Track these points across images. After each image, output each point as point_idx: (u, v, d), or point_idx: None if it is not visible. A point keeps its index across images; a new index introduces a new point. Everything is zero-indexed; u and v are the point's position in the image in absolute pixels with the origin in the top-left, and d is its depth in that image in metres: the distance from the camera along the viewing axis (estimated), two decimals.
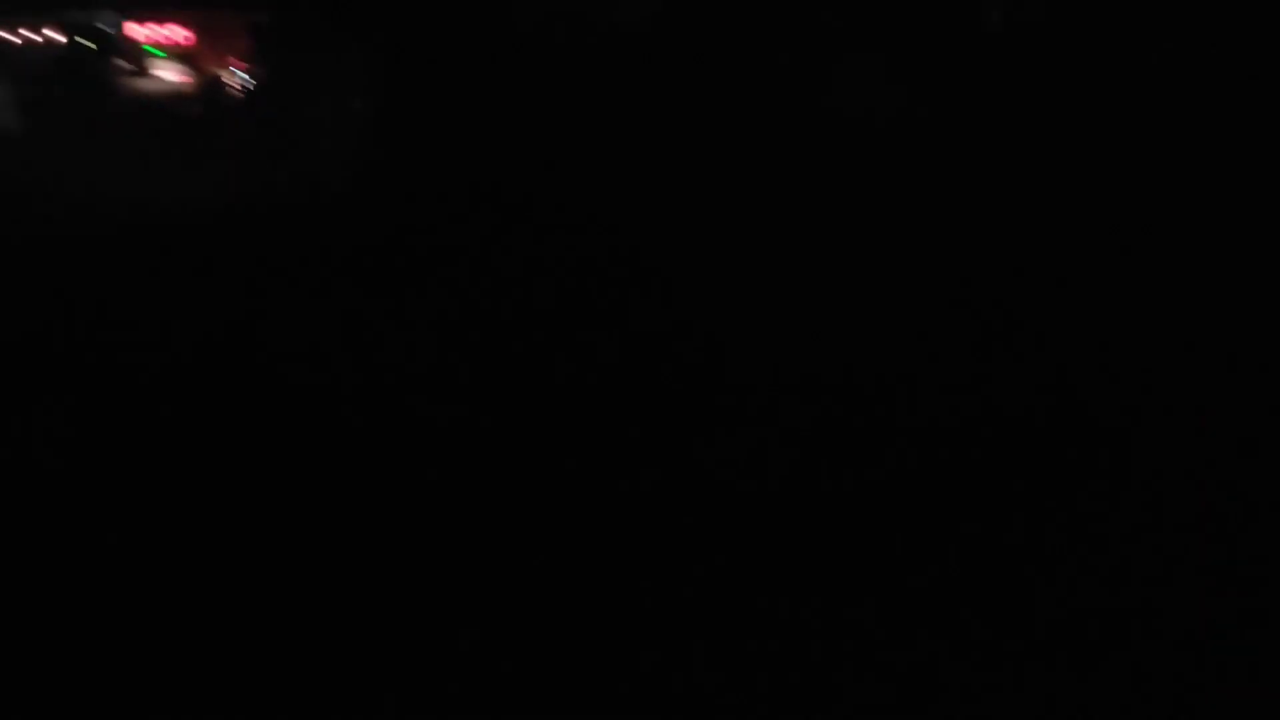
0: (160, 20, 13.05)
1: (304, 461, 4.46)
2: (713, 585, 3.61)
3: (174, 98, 12.81)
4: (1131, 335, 5.61)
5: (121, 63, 12.77)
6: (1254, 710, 2.91)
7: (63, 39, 13.64)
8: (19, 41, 14.07)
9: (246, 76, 8.55)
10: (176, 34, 13.09)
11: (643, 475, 4.41)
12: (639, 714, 2.96)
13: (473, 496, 4.25)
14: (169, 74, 12.90)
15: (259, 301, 6.61)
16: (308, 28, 8.79)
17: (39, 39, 13.87)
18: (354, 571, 3.69)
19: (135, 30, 13.02)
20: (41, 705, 3.03)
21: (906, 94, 7.09)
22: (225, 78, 11.05)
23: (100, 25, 13.09)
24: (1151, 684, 3.08)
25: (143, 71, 12.92)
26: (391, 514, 4.11)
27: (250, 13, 11.39)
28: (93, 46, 13.38)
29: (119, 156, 10.38)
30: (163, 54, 13.05)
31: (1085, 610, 3.48)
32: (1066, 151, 6.72)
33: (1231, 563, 3.77)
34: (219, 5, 12.49)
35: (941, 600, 3.54)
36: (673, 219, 6.66)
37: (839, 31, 7.04)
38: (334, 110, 8.33)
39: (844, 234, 6.48)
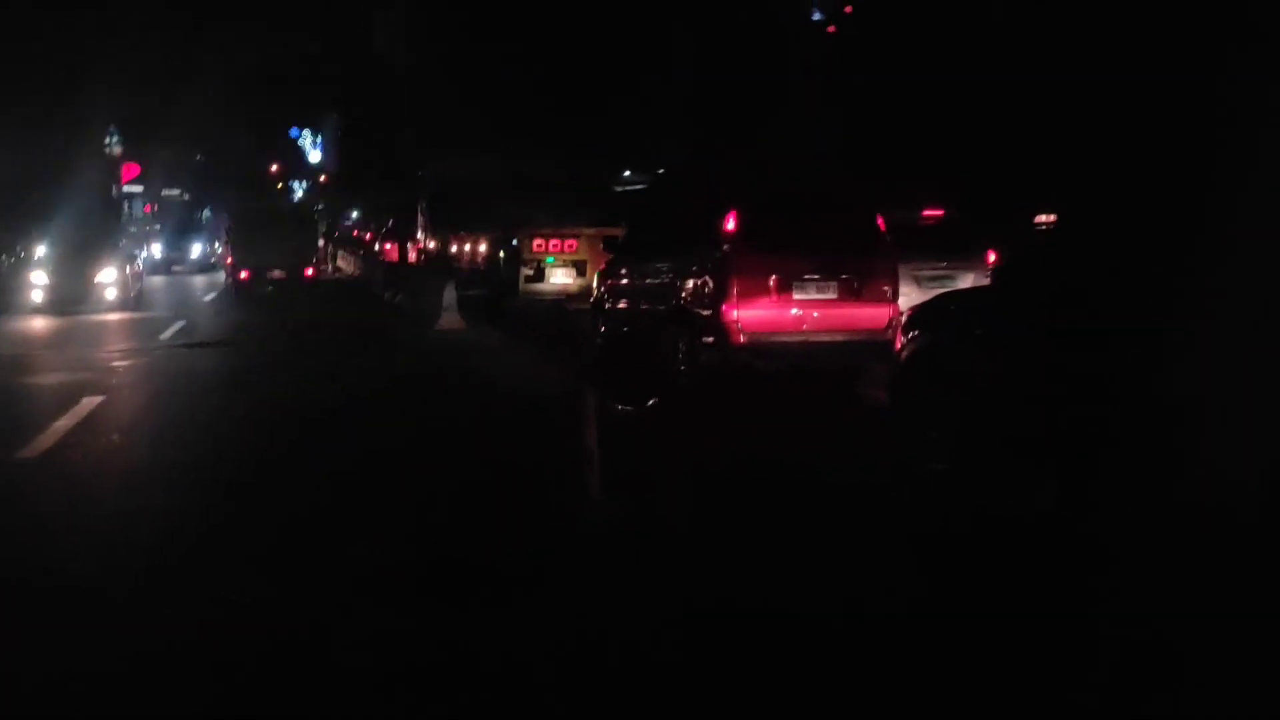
0: (550, 238, 19.02)
1: None
2: None
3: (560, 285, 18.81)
4: None
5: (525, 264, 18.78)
6: None
7: (484, 248, 20.55)
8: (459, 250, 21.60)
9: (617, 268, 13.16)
10: (562, 245, 18.96)
11: None
12: None
13: None
14: (560, 272, 18.75)
15: None
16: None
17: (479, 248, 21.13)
18: None
19: (538, 242, 19.06)
20: None
21: None
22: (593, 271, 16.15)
23: (515, 240, 19.24)
24: None
25: (540, 269, 18.81)
26: None
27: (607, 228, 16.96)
28: (505, 253, 19.83)
29: None
30: (552, 259, 18.90)
31: None
32: None
33: None
34: (588, 227, 18.24)
35: None
36: None
37: None
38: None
39: None
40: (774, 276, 10.14)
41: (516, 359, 13.55)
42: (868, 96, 24.41)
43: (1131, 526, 5.29)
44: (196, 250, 44.04)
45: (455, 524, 5.85)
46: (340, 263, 40.14)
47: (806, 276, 10.24)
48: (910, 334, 7.72)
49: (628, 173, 28.65)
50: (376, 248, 38.42)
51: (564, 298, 18.84)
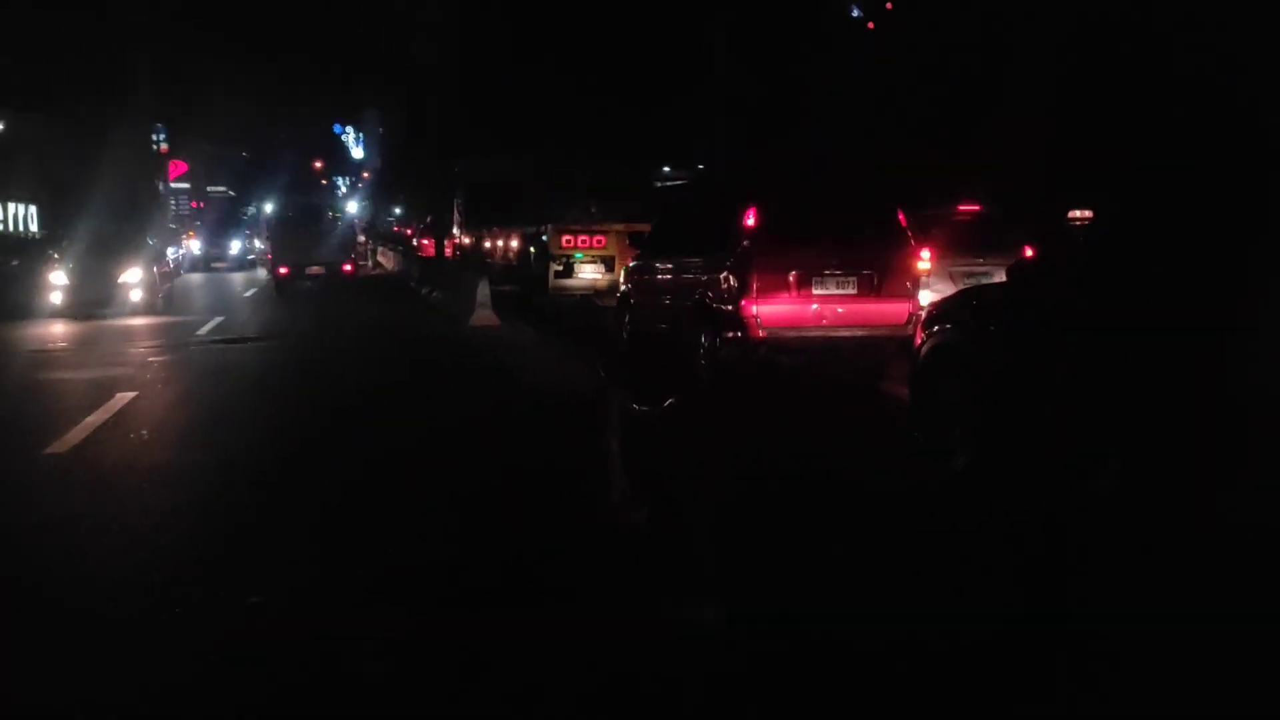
0: (579, 234, 19.22)
1: None
2: None
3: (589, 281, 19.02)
4: None
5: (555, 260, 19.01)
6: None
7: (516, 244, 20.83)
8: (492, 245, 21.82)
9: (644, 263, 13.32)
10: (590, 241, 19.14)
11: None
12: None
13: None
14: (589, 268, 18.94)
15: None
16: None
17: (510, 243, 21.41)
18: None
19: (567, 238, 19.25)
20: None
21: None
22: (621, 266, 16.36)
23: (544, 236, 19.47)
24: None
25: (570, 265, 19.00)
26: None
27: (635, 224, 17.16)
28: (535, 249, 20.10)
29: None
30: (581, 255, 19.10)
31: None
32: None
33: None
34: (616, 224, 18.43)
35: None
36: None
37: None
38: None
39: None
40: (794, 272, 10.28)
41: (546, 356, 13.62)
42: (906, 91, 24.43)
43: (1151, 525, 5.38)
44: (236, 247, 43.39)
45: (473, 526, 5.88)
46: (381, 259, 40.47)
47: (826, 272, 10.33)
48: (930, 330, 7.69)
49: (668, 169, 28.78)
50: (415, 244, 38.80)
51: (592, 293, 19.11)
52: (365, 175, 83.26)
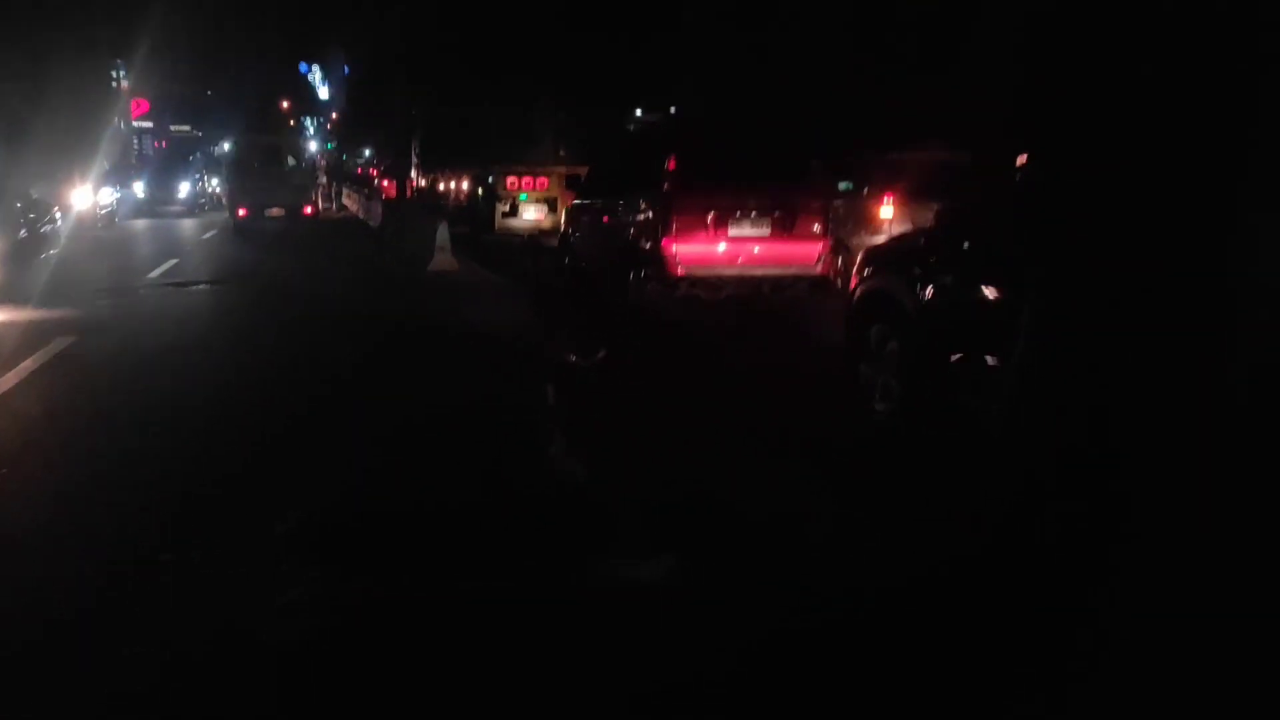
0: (523, 175, 19.66)
1: None
2: None
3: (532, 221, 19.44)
4: None
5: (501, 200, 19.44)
6: None
7: (467, 185, 21.20)
8: (446, 188, 22.17)
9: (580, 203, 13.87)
10: (535, 182, 19.60)
11: None
12: None
13: None
14: (533, 208, 19.42)
15: None
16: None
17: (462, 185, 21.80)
18: None
19: (511, 180, 19.70)
20: None
21: None
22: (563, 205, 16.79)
23: (490, 178, 19.87)
24: None
25: (515, 206, 19.47)
26: None
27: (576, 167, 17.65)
28: (482, 190, 20.54)
29: None
30: (525, 196, 19.56)
31: None
32: None
33: None
34: (553, 166, 18.77)
35: None
36: None
37: None
38: None
39: None
40: (711, 214, 10.87)
41: (502, 301, 13.84)
42: (875, 34, 24.53)
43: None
44: (185, 190, 38.65)
45: (404, 472, 5.90)
46: (346, 201, 40.57)
47: (741, 214, 10.87)
48: (863, 274, 7.91)
49: (639, 112, 29.02)
50: (377, 185, 38.88)
51: (537, 233, 19.59)
52: (335, 116, 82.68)
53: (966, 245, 6.97)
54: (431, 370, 8.90)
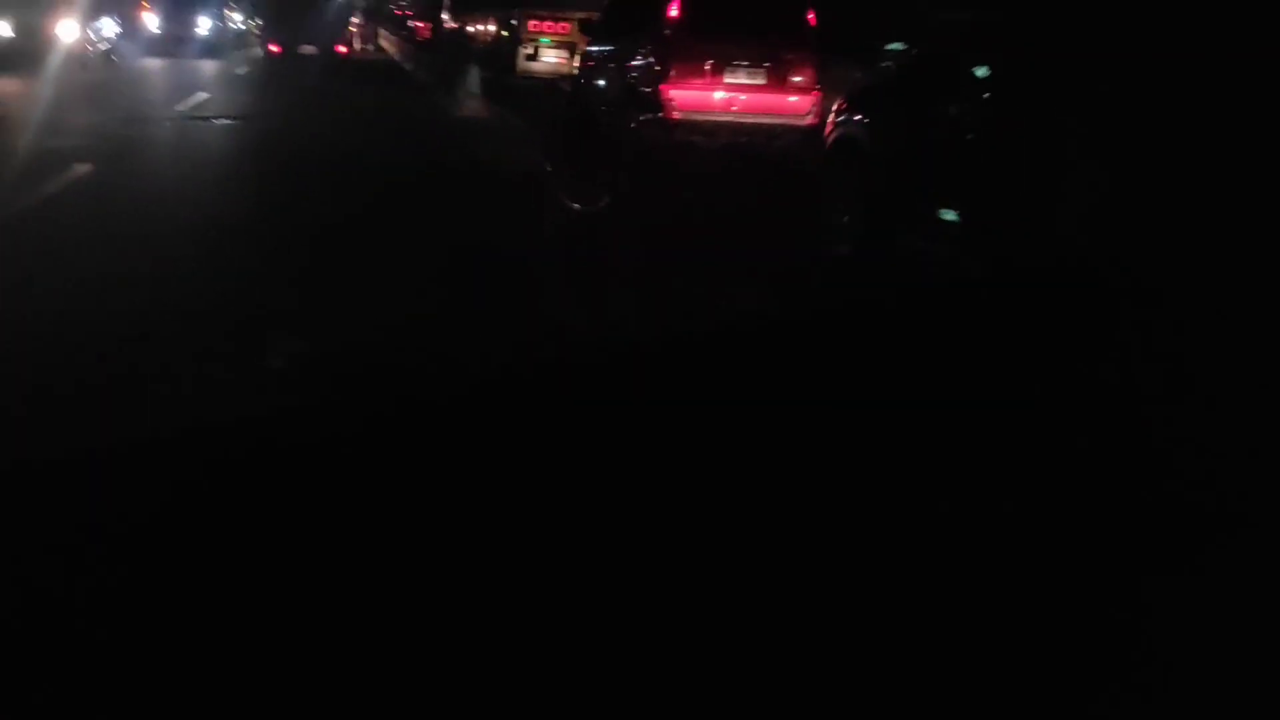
0: (544, 19, 19.76)
1: None
2: None
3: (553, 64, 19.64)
4: None
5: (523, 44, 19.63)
6: None
7: (493, 28, 21.29)
8: (475, 30, 22.26)
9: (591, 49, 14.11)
10: (555, 27, 19.71)
11: None
12: None
13: None
14: (553, 53, 19.56)
15: None
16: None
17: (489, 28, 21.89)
18: None
19: (533, 23, 19.85)
20: None
21: None
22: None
23: (513, 21, 20.00)
24: None
25: (536, 50, 19.68)
26: None
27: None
28: (506, 34, 20.63)
29: None
30: (547, 40, 19.72)
31: None
32: None
33: None
34: (574, 11, 18.83)
35: None
36: None
37: None
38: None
39: None
40: (709, 61, 11.22)
41: (522, 145, 13.79)
42: None
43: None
44: (206, 26, 32.28)
45: (400, 308, 6.06)
46: (383, 42, 40.56)
47: (736, 62, 11.18)
48: (837, 120, 8.26)
49: None
50: (411, 27, 38.74)
51: (557, 77, 19.79)
52: None
53: (920, 89, 7.35)
54: (440, 214, 9.12)
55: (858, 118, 7.87)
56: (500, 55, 21.41)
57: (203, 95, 18.70)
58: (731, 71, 11.25)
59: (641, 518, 3.02)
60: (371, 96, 20.70)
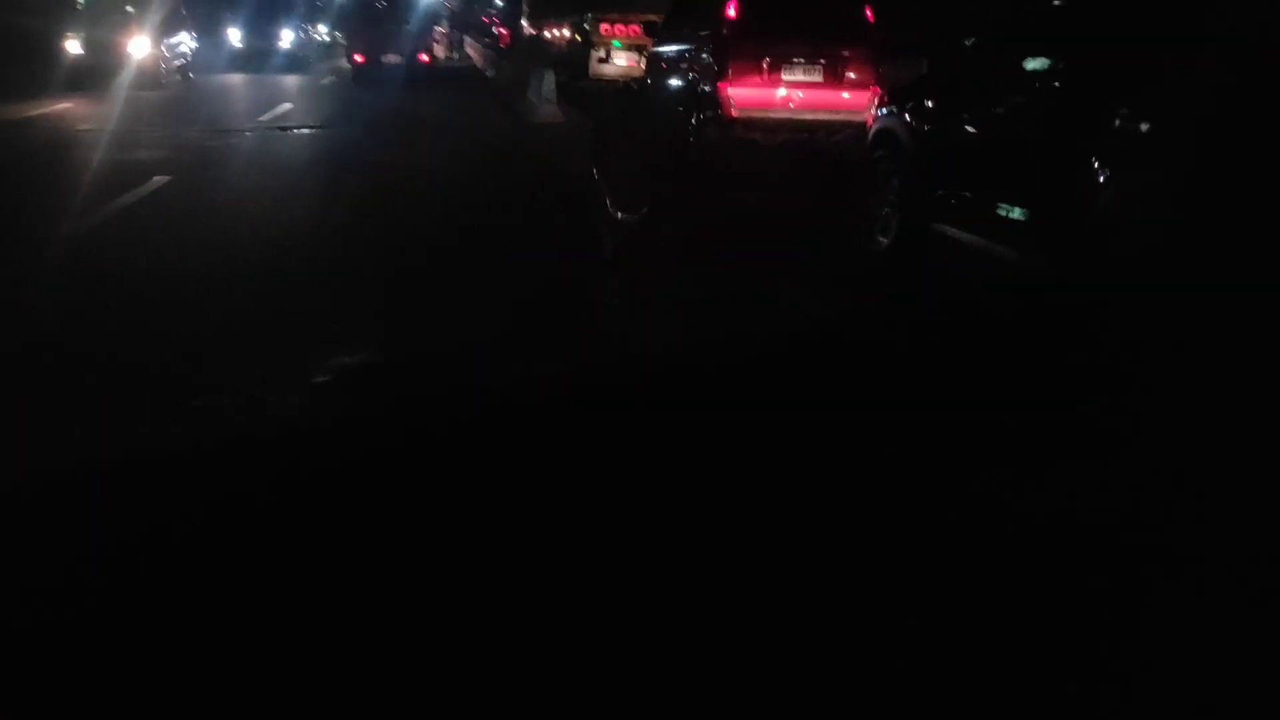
0: (615, 22, 20.00)
1: None
2: None
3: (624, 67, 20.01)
4: None
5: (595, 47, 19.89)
6: None
7: (568, 33, 21.56)
8: (551, 35, 22.63)
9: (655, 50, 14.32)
10: (626, 30, 19.94)
11: None
12: None
13: None
14: (624, 55, 19.78)
15: None
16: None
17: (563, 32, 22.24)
18: None
19: (605, 26, 20.07)
20: None
21: None
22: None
23: (586, 25, 20.24)
24: None
25: (608, 52, 19.92)
26: None
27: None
28: (580, 38, 20.87)
29: None
30: (619, 44, 19.94)
31: None
32: None
33: None
34: (645, 13, 18.99)
35: None
36: None
37: None
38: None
39: None
40: (766, 59, 11.27)
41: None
42: None
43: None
44: (288, 39, 31.51)
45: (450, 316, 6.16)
46: (469, 50, 41.01)
47: (794, 60, 11.24)
48: (878, 114, 8.55)
49: None
50: (495, 34, 39.14)
51: (629, 79, 19.94)
52: None
53: (954, 83, 7.48)
54: (504, 221, 9.26)
55: (897, 110, 8.00)
56: (574, 59, 21.67)
57: (286, 106, 19.31)
58: (789, 69, 11.25)
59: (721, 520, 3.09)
60: (448, 103, 21.04)
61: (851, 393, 1.78)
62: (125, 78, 19.01)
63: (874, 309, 6.44)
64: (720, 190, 10.80)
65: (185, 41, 23.97)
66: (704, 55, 11.95)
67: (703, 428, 1.71)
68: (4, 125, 14.99)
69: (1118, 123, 5.59)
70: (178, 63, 22.89)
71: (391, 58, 26.50)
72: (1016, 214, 6.29)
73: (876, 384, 1.95)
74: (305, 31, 33.76)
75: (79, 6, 20.61)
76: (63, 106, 16.88)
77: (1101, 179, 5.53)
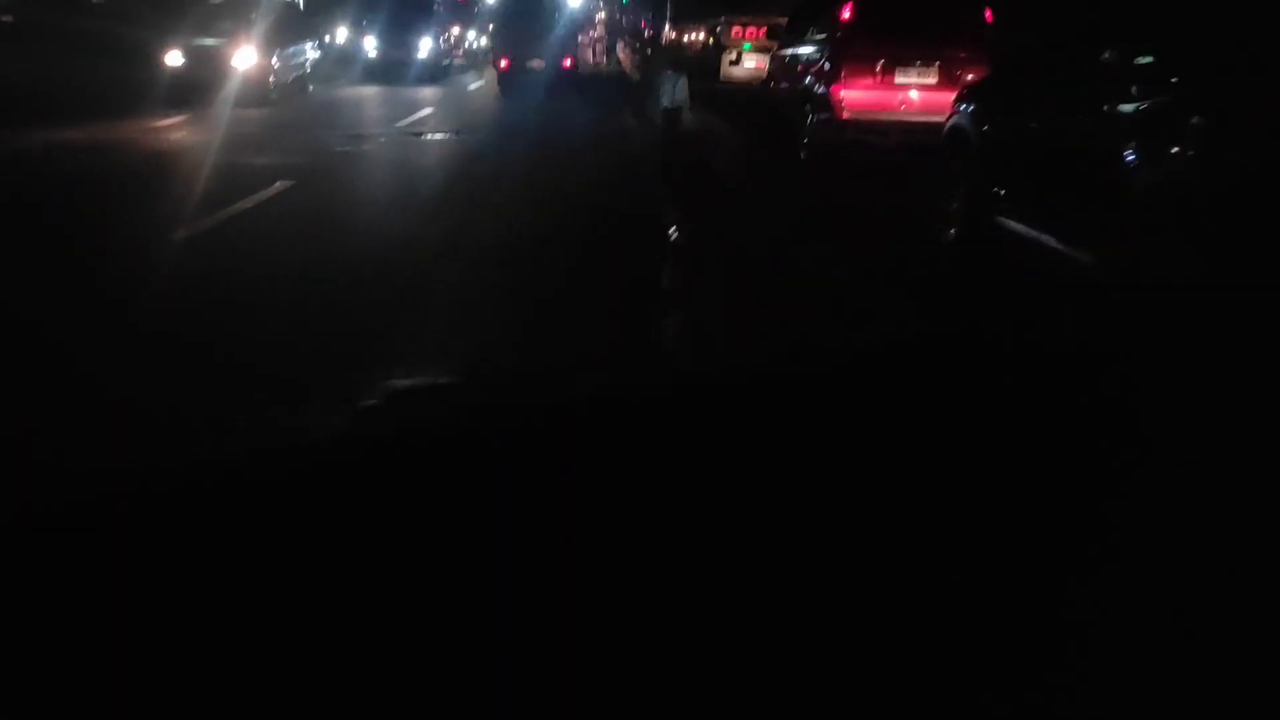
0: (746, 25, 20.02)
1: None
2: None
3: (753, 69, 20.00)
4: None
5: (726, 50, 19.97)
6: None
7: (703, 35, 21.63)
8: (688, 40, 22.71)
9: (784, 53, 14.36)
10: (757, 32, 19.95)
11: None
12: None
13: None
14: (754, 57, 19.78)
15: None
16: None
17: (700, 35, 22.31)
18: None
19: (736, 29, 20.14)
20: None
21: None
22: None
23: (719, 28, 20.31)
24: None
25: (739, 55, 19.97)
26: None
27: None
28: (713, 41, 20.95)
29: None
30: (749, 45, 19.97)
31: None
32: None
33: None
34: (775, 16, 18.94)
35: None
36: None
37: None
38: None
39: None
40: (880, 61, 11.37)
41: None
42: None
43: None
44: (425, 48, 28.53)
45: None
46: (620, 55, 41.15)
47: (909, 62, 11.18)
48: (953, 109, 8.58)
49: None
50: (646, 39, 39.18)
51: (758, 82, 19.97)
52: None
53: (1015, 81, 7.64)
54: (619, 233, 9.11)
55: (965, 108, 8.19)
56: (707, 63, 21.74)
57: (426, 111, 19.59)
58: (903, 71, 11.29)
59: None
60: (584, 109, 21.13)
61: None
62: (230, 92, 17.47)
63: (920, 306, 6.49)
64: (830, 187, 10.98)
65: (304, 52, 22.41)
66: (819, 57, 12.06)
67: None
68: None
69: (1150, 119, 5.63)
70: (294, 75, 21.33)
71: (536, 63, 26.65)
72: (1066, 208, 6.45)
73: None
74: (448, 40, 30.80)
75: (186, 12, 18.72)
76: (157, 124, 15.61)
77: (1135, 172, 5.58)
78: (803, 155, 12.08)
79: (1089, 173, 6.14)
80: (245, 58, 18.50)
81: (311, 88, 22.32)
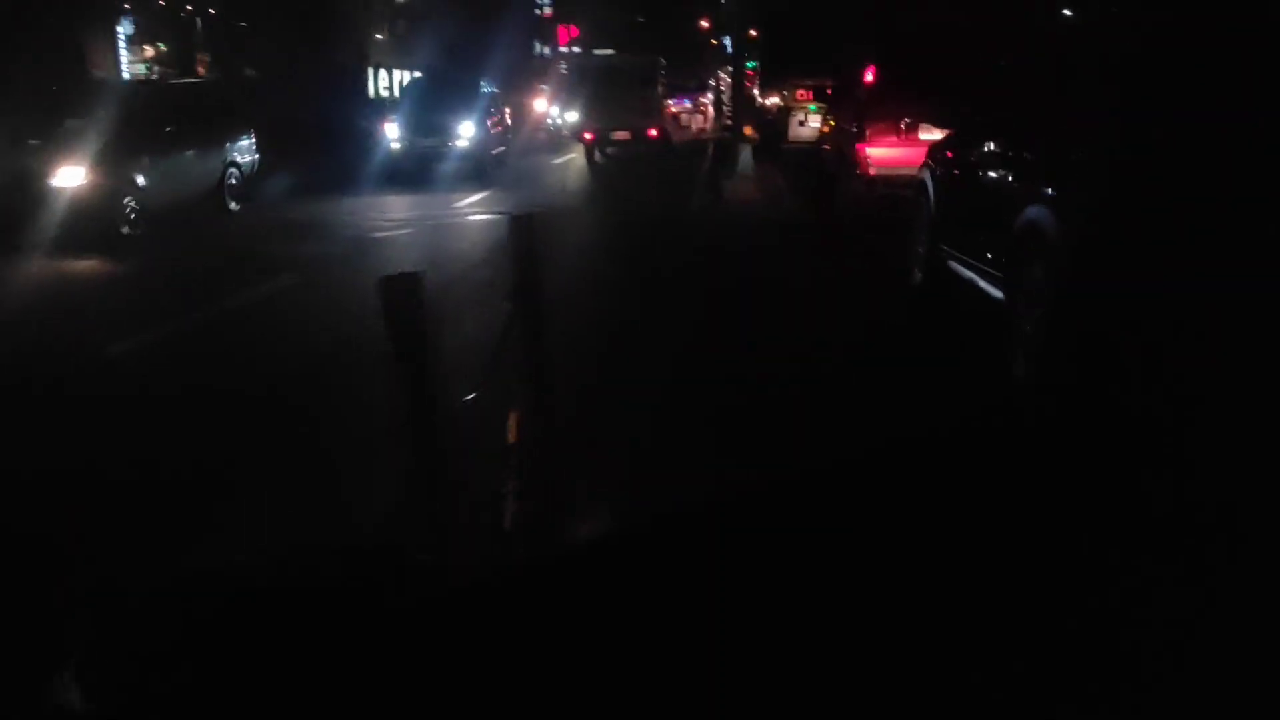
0: (807, 89, 19.93)
1: None
2: None
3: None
4: None
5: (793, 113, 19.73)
6: None
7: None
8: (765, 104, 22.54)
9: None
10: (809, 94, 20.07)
11: None
12: None
13: None
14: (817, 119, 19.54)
15: None
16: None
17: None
18: None
19: (801, 92, 20.08)
20: None
21: None
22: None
23: (786, 91, 20.10)
24: None
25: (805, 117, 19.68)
26: None
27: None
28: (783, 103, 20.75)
29: None
30: (814, 108, 19.76)
31: None
32: None
33: None
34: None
35: None
36: None
37: None
38: None
39: None
40: (903, 120, 12.03)
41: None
42: None
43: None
44: (468, 131, 20.76)
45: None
46: (696, 117, 40.56)
47: (929, 122, 11.38)
48: (923, 162, 9.03)
49: None
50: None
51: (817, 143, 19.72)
52: (753, 33, 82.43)
53: (964, 141, 8.02)
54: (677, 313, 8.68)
55: (928, 161, 8.80)
56: (778, 125, 21.52)
57: (490, 190, 18.34)
58: (926, 129, 11.35)
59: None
60: (659, 181, 20.40)
61: None
62: (47, 227, 11.86)
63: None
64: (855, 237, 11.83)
65: (223, 154, 15.61)
66: (849, 118, 12.96)
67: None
68: None
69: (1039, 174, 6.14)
70: (200, 188, 14.92)
71: (621, 134, 25.97)
72: (985, 253, 6.87)
73: None
74: (491, 124, 22.30)
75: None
76: None
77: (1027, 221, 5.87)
78: (835, 213, 12.94)
79: (988, 223, 6.69)
80: (71, 176, 12.43)
81: (235, 206, 15.82)
